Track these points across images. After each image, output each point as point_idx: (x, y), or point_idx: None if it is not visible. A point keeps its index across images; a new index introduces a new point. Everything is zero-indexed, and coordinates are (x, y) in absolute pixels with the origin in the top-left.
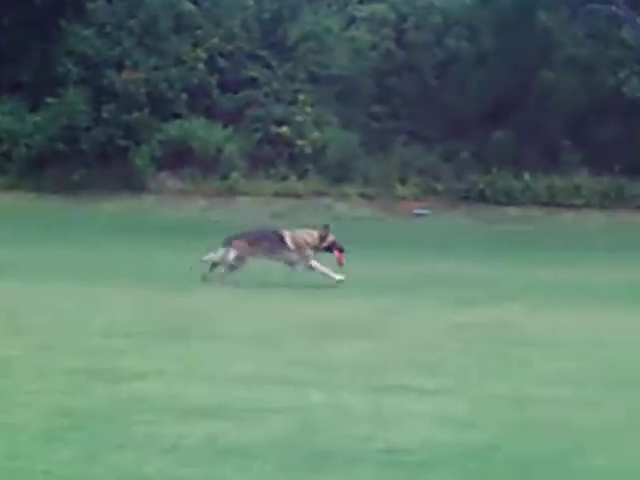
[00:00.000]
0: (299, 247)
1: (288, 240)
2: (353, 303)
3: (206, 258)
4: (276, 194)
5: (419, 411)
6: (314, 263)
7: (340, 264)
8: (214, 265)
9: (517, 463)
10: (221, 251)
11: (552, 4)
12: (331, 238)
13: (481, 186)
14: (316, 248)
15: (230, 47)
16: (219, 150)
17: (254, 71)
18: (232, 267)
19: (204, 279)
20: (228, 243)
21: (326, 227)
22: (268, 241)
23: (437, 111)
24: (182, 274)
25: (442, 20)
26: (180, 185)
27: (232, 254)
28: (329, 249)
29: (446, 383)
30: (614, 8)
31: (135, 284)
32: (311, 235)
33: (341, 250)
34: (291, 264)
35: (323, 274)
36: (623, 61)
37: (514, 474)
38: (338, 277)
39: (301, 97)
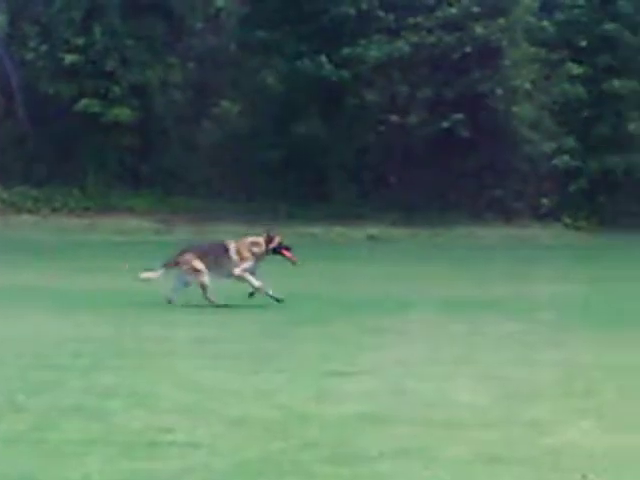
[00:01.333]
0: (239, 260)
1: (232, 251)
2: None
3: (145, 276)
4: None
5: None
6: (246, 275)
7: (294, 263)
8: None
9: None
10: (161, 271)
11: None
12: (277, 239)
13: None
14: (265, 253)
15: None
16: None
17: None
18: (203, 283)
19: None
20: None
21: (268, 230)
22: (212, 254)
23: None
24: None
25: None
26: None
27: (190, 271)
28: (276, 251)
29: None
30: None
31: None
32: (257, 243)
33: (288, 249)
34: (227, 276)
35: (250, 283)
36: None
37: None
38: (257, 284)
39: None
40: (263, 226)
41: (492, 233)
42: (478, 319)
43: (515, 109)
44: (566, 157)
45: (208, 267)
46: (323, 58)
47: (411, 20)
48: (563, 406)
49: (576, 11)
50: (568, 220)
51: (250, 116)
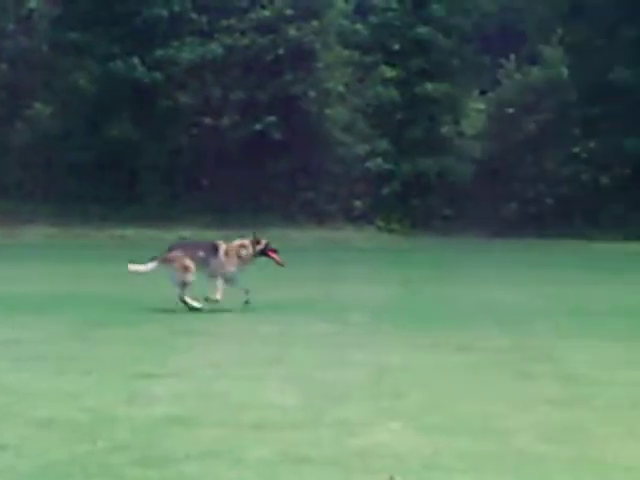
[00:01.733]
0: (227, 261)
1: (221, 252)
2: None
3: (134, 268)
4: None
5: None
6: (223, 282)
7: (281, 265)
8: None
9: None
10: (151, 264)
11: None
12: (264, 242)
13: None
14: (253, 256)
15: None
16: None
17: None
18: (184, 282)
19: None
20: (165, 258)
21: (254, 234)
22: (203, 251)
23: None
24: None
25: None
26: None
27: (176, 267)
28: (263, 253)
29: None
30: None
31: None
32: (244, 246)
33: (275, 251)
34: (212, 276)
35: (215, 292)
36: None
37: None
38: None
39: None
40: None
41: (305, 235)
42: (289, 320)
43: (328, 112)
44: (379, 160)
45: (195, 264)
46: (136, 60)
47: (224, 22)
48: (372, 407)
49: (389, 14)
50: (381, 223)
51: (62, 118)
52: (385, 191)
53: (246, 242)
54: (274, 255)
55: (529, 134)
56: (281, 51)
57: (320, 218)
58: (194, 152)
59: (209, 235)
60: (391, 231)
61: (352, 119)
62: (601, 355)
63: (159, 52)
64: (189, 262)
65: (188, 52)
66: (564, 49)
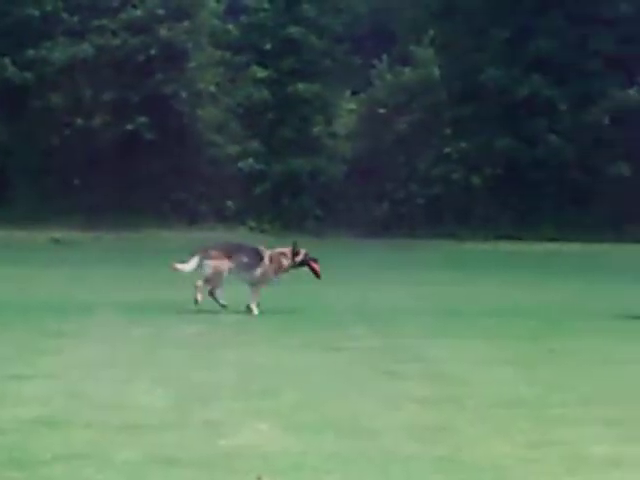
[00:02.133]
0: (269, 269)
1: (266, 260)
2: None
3: (179, 267)
4: None
5: None
6: (259, 289)
7: (318, 276)
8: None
9: None
10: (194, 260)
11: None
12: (304, 252)
13: None
14: (291, 265)
15: None
16: None
17: None
18: (210, 282)
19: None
20: (205, 254)
21: (294, 243)
22: (247, 257)
23: None
24: None
25: None
26: None
27: (210, 266)
28: (304, 263)
29: None
30: None
31: None
32: (285, 255)
33: (315, 260)
34: (250, 282)
35: (252, 300)
36: None
37: None
38: (256, 310)
39: None
40: None
41: (177, 236)
42: (160, 321)
43: (200, 112)
44: (251, 160)
45: (236, 269)
46: (6, 60)
47: (95, 22)
48: (241, 407)
49: (261, 14)
50: (253, 223)
51: None
52: (257, 191)
53: (286, 250)
54: (314, 265)
55: (400, 134)
56: (153, 51)
57: (192, 219)
58: (66, 153)
59: (81, 236)
60: (263, 231)
61: (224, 119)
62: (471, 355)
63: (30, 52)
64: (224, 264)
65: (59, 52)
66: (435, 50)
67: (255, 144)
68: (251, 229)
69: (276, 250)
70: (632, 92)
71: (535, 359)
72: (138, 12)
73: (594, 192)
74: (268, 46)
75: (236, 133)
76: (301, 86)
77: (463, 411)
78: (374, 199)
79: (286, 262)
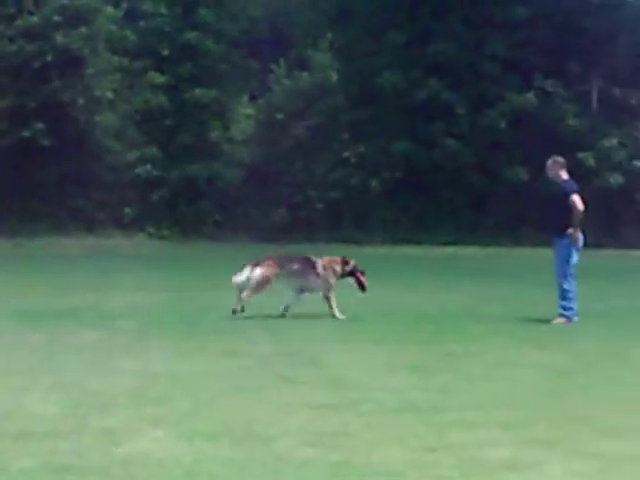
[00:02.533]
0: (327, 275)
1: (319, 267)
2: None
3: (236, 280)
4: None
5: None
6: (332, 295)
7: (364, 288)
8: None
9: None
10: (247, 271)
11: None
12: (353, 262)
13: None
14: (341, 275)
15: None
16: None
17: None
18: (257, 288)
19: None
20: (254, 264)
21: (344, 257)
22: (299, 264)
23: None
24: None
25: None
26: None
27: (258, 272)
28: (351, 274)
29: None
30: None
31: None
32: (337, 262)
33: (363, 273)
34: (309, 291)
35: (332, 308)
36: None
37: None
38: (340, 316)
39: None
40: None
41: (75, 243)
42: (57, 329)
43: (98, 118)
44: (149, 166)
45: (286, 276)
46: None
47: None
48: (136, 414)
49: (158, 20)
50: (151, 229)
51: None
52: (155, 197)
53: (337, 259)
54: (361, 277)
55: (298, 139)
56: (49, 58)
57: (90, 225)
58: None
59: None
60: (162, 238)
61: (122, 126)
62: (367, 360)
63: None
64: (272, 276)
65: None
66: (333, 54)
67: (153, 150)
68: (150, 235)
69: (326, 258)
70: (529, 96)
71: (432, 363)
72: (35, 19)
73: (492, 196)
74: (166, 52)
75: (134, 139)
76: (198, 91)
77: (359, 416)
78: (272, 204)
79: (339, 269)
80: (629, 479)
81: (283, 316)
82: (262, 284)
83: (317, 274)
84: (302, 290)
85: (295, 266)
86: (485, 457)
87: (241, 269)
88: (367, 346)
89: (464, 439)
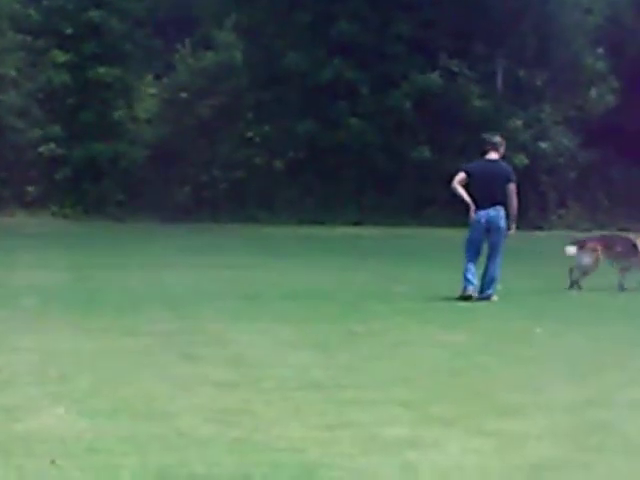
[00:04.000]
0: None
1: None
2: None
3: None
4: None
5: None
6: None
7: None
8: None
9: None
10: (573, 248)
11: None
12: None
13: None
14: None
15: None
16: None
17: None
18: (587, 271)
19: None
20: (580, 245)
21: None
22: (621, 246)
23: None
24: None
25: None
26: None
27: (587, 259)
28: None
29: None
30: None
31: None
32: None
33: None
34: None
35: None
36: None
37: None
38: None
39: None
40: None
41: None
42: None
43: (1, 97)
44: (52, 145)
45: (613, 258)
46: None
47: None
48: (37, 392)
49: None
50: (55, 208)
51: None
52: (58, 176)
53: None
54: None
55: (203, 119)
56: None
57: None
58: None
59: None
60: (65, 216)
61: (25, 104)
62: (270, 337)
63: None
64: (600, 257)
65: None
66: (238, 34)
67: (56, 129)
68: (53, 214)
69: None
70: (434, 76)
71: (334, 342)
72: None
73: (396, 176)
74: (69, 30)
75: (37, 118)
76: (102, 70)
77: (260, 393)
78: (176, 183)
79: None
80: (526, 456)
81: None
82: (592, 269)
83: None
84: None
85: (618, 248)
86: (384, 435)
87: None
88: (271, 324)
89: (364, 417)
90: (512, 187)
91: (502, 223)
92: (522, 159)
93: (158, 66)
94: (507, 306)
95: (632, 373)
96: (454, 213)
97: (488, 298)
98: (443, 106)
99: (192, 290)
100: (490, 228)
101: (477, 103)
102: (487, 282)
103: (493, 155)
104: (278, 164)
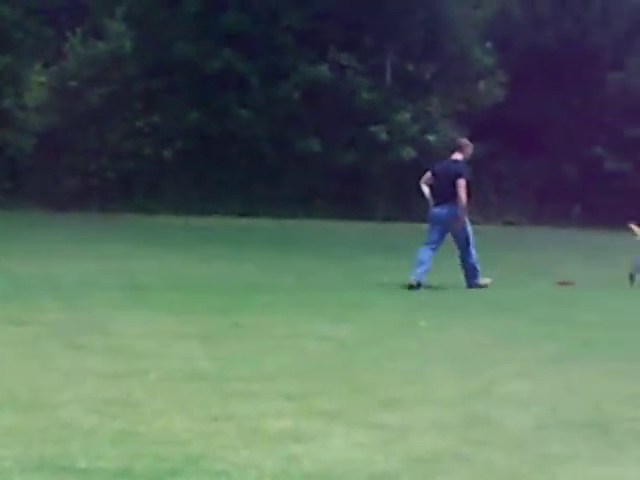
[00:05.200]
0: None
1: None
2: None
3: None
4: None
5: None
6: None
7: None
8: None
9: None
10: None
11: None
12: None
13: None
14: None
15: None
16: None
17: None
18: None
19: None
20: None
21: None
22: None
23: None
24: None
25: None
26: None
27: None
28: None
29: None
30: None
31: None
32: None
33: None
34: None
35: None
36: None
37: None
38: None
39: None
40: None
41: None
42: None
43: None
44: None
45: None
46: None
47: None
48: None
49: None
50: None
51: None
52: None
53: None
54: None
55: (92, 107)
56: None
57: None
58: None
59: None
60: None
61: None
62: (156, 329)
63: None
64: None
65: None
66: (128, 23)
67: None
68: None
69: None
70: (323, 68)
71: (220, 334)
72: None
73: (285, 167)
74: None
75: None
76: None
77: (145, 385)
78: (65, 172)
79: None
80: (410, 449)
81: None
82: None
83: None
84: None
85: None
86: (268, 428)
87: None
88: (157, 315)
89: (249, 409)
90: (461, 182)
91: (448, 218)
92: (410, 152)
93: (49, 55)
94: (393, 299)
95: (516, 366)
96: (342, 206)
97: (480, 286)
98: (332, 98)
99: (79, 280)
100: (444, 223)
101: (366, 96)
102: (469, 273)
103: (456, 156)
104: (167, 154)
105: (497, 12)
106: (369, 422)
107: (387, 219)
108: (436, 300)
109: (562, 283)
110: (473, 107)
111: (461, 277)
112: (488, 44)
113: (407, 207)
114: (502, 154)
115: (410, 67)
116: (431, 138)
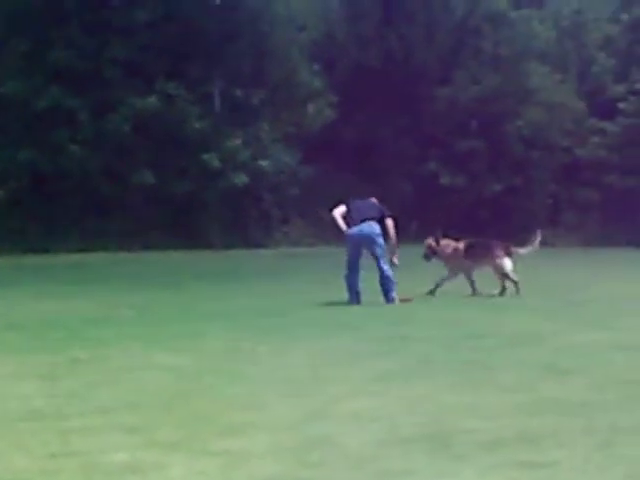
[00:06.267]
0: None
1: None
2: None
3: None
4: None
5: None
6: None
7: None
8: None
9: None
10: None
11: None
12: None
13: None
14: None
15: None
16: None
17: None
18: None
19: None
20: None
21: None
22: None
23: None
24: None
25: None
26: None
27: None
28: None
29: None
30: None
31: None
32: None
33: None
34: None
35: None
36: None
37: None
38: None
39: None
40: None
41: None
42: None
43: None
44: None
45: None
46: None
47: None
48: None
49: None
50: None
51: None
52: None
53: None
54: None
55: None
56: None
57: None
58: None
59: None
60: None
61: None
62: None
63: None
64: None
65: None
66: None
67: None
68: None
69: None
70: (151, 99)
71: (58, 370)
72: None
73: (119, 201)
74: None
75: None
76: None
77: None
78: None
79: None
80: (250, 475)
81: None
82: None
83: None
84: None
85: None
86: (107, 461)
87: None
88: None
89: (87, 444)
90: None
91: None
92: (242, 178)
93: None
94: (232, 326)
95: (351, 385)
96: (179, 235)
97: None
98: (162, 129)
99: None
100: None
101: (196, 125)
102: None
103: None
104: (0, 193)
105: (322, 33)
106: (209, 450)
107: (225, 246)
108: (274, 324)
109: (402, 300)
110: (304, 130)
111: (304, 298)
112: (315, 66)
113: (242, 233)
114: (333, 175)
115: (238, 93)
116: (263, 163)
